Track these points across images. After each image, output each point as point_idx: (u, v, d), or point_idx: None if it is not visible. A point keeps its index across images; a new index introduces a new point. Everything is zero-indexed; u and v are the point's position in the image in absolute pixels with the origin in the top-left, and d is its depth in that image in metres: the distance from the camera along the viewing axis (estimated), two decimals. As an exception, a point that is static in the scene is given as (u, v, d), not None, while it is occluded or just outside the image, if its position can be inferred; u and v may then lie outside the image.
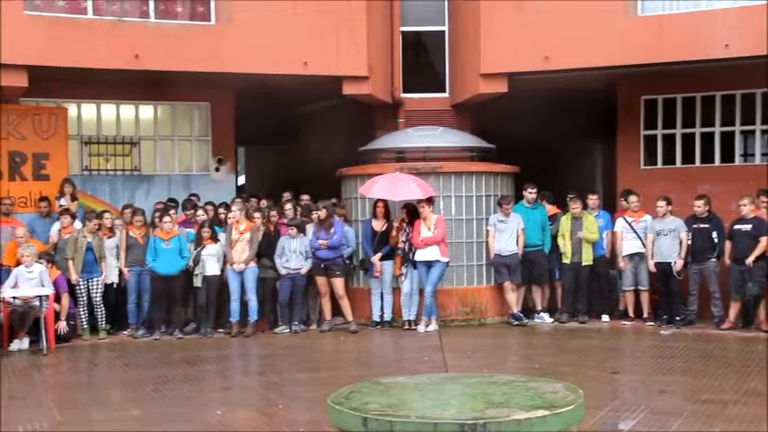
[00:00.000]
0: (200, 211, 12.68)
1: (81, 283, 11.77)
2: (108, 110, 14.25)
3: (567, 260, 12.66)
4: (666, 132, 14.06)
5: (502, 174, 13.32)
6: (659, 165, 14.12)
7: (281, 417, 7.38)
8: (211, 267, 12.05)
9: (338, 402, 3.86)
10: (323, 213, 12.30)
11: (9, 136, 13.22)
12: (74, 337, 11.65)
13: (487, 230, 12.85)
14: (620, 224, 12.72)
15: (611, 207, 13.75)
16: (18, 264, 11.22)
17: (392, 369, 9.55)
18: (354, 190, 13.17)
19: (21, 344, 10.98)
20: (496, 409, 3.68)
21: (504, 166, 13.39)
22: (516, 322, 12.48)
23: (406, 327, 12.35)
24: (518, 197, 13.22)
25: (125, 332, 12.10)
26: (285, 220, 12.65)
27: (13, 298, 11.00)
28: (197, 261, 11.98)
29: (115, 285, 12.21)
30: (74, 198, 12.97)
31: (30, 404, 8.11)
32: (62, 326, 11.41)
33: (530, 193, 12.92)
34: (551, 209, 13.23)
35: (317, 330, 12.43)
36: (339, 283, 12.36)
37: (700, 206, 12.05)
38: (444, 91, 14.90)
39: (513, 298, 12.66)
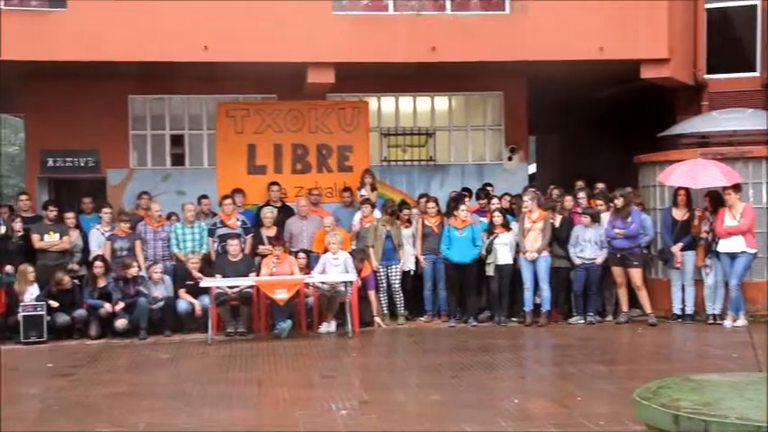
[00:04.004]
0: (494, 200, 12.77)
1: (381, 270, 12.30)
2: (405, 102, 14.77)
3: None
4: None
5: (821, 158, 12.15)
6: None
7: (581, 408, 7.22)
8: (504, 256, 12.08)
9: (646, 398, 3.69)
10: (620, 202, 11.93)
11: (317, 130, 14.19)
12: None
13: (804, 220, 11.81)
14: None
15: None
16: (325, 251, 11.96)
17: (697, 365, 9.05)
18: (653, 177, 12.64)
19: (329, 327, 11.68)
20: (831, 416, 3.32)
21: (823, 150, 12.21)
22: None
23: (710, 321, 11.68)
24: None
25: (422, 318, 12.49)
26: (579, 209, 12.43)
27: (322, 283, 11.75)
28: (489, 250, 12.08)
29: (412, 273, 12.60)
30: (373, 188, 13.59)
31: (339, 383, 8.60)
32: (378, 320, 12.05)
33: None
34: None
35: (612, 322, 12.08)
36: (637, 273, 11.92)
37: None
38: (754, 70, 13.86)
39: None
